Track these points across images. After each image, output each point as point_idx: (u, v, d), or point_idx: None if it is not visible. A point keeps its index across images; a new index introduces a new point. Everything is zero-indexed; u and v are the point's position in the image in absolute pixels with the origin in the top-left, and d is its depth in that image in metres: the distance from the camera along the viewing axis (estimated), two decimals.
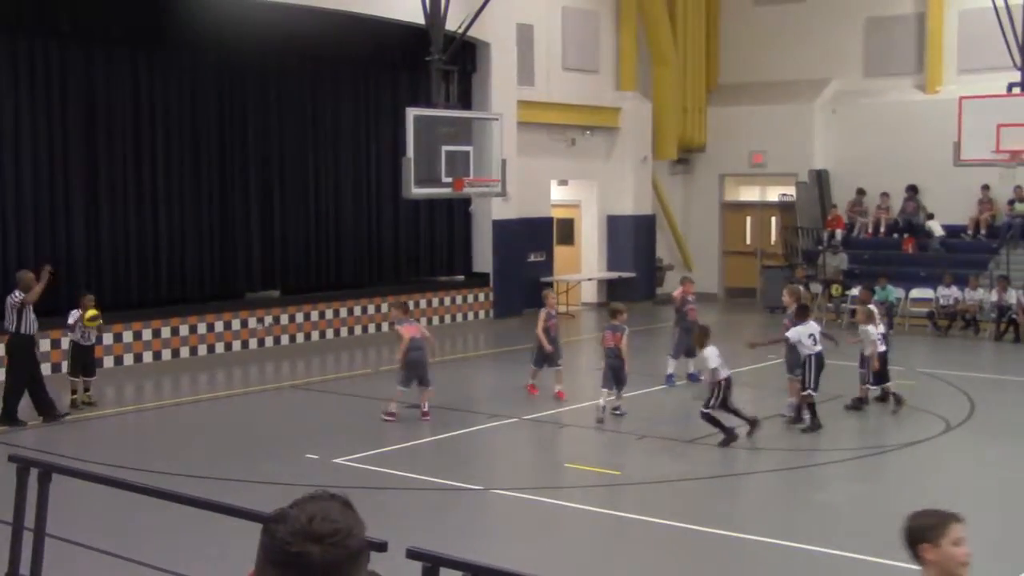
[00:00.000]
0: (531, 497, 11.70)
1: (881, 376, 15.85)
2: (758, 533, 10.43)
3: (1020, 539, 10.38)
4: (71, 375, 15.82)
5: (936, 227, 26.70)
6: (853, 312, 18.45)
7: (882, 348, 15.75)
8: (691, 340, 16.15)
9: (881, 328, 16.21)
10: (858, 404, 15.83)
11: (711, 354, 13.99)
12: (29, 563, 5.80)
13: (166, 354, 19.87)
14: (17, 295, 14.57)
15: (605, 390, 14.97)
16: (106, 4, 19.03)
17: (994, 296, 23.19)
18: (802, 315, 15.03)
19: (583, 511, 11.41)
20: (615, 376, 14.94)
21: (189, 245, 20.80)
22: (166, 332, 19.95)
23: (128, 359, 19.21)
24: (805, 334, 14.62)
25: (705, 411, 13.87)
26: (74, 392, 15.66)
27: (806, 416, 14.49)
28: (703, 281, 30.44)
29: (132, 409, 16.16)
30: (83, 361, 15.77)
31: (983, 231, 26.34)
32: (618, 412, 15.11)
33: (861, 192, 28.24)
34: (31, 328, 14.73)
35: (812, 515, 11.31)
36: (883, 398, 15.94)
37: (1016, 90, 22.06)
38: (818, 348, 14.61)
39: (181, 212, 20.64)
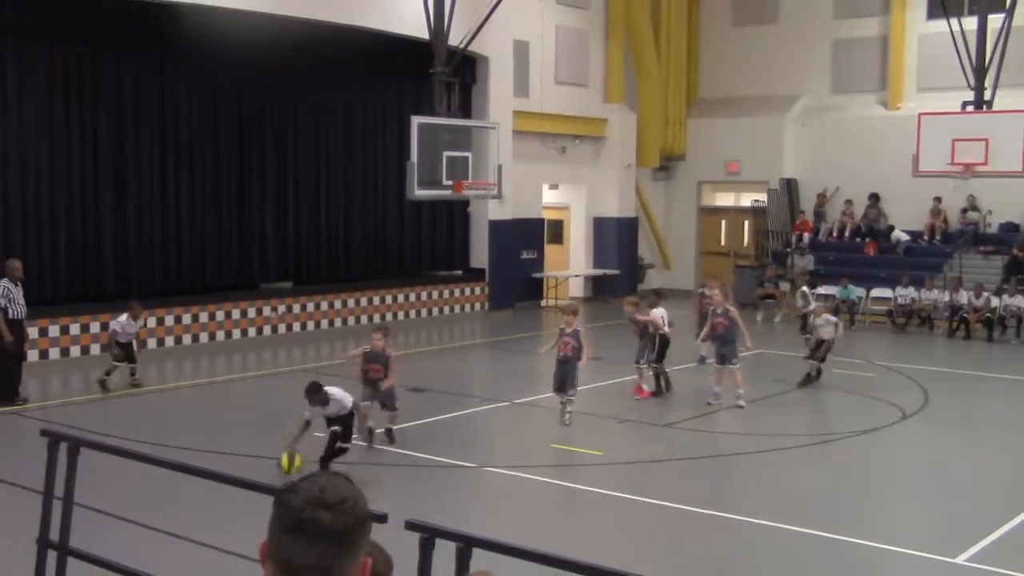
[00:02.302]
0: (520, 475, 11.70)
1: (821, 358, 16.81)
2: (727, 511, 10.46)
3: (968, 520, 10.41)
4: (116, 360, 15.54)
5: (901, 235, 26.75)
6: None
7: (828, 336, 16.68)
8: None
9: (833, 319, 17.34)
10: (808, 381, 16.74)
11: (659, 313, 15.51)
12: (58, 530, 5.79)
13: (187, 339, 19.85)
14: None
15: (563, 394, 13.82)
16: (135, 16, 18.96)
17: (947, 296, 23.24)
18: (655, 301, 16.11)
19: (567, 488, 11.43)
20: (564, 380, 13.77)
21: (209, 239, 20.79)
22: (187, 319, 19.93)
23: (152, 343, 19.18)
24: (660, 315, 15.61)
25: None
26: (108, 374, 15.38)
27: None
28: (681, 278, 30.55)
29: (155, 390, 16.13)
30: (128, 353, 15.61)
31: (937, 237, 26.40)
32: (569, 413, 13.80)
33: (822, 196, 28.40)
34: (19, 313, 14.42)
35: (777, 496, 11.32)
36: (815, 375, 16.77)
37: (969, 108, 22.10)
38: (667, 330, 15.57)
39: (202, 209, 20.62)
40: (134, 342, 15.85)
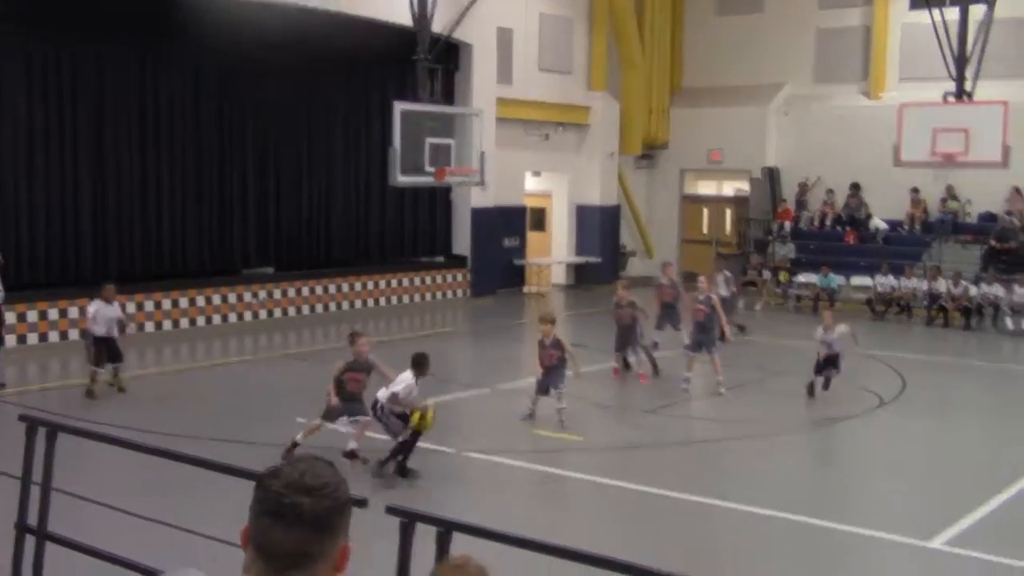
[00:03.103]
0: (501, 460, 11.72)
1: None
2: (706, 496, 10.51)
3: (943, 505, 10.49)
4: (95, 365, 13.99)
5: (880, 224, 26.87)
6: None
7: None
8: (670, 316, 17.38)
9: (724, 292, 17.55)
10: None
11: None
12: (37, 515, 5.78)
13: (167, 325, 19.77)
14: None
15: (540, 396, 13.38)
16: (114, 2, 18.81)
17: (926, 285, 23.37)
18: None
19: (548, 473, 11.46)
20: (548, 386, 13.28)
21: (190, 225, 20.68)
22: (167, 305, 19.84)
23: (131, 328, 19.07)
24: None
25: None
26: (93, 381, 14.00)
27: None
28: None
29: (136, 376, 16.07)
30: (111, 352, 14.12)
31: (917, 226, 26.54)
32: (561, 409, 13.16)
33: (804, 185, 28.50)
34: None
35: (755, 481, 11.38)
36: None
37: (951, 99, 22.17)
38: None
39: (183, 194, 20.52)
40: (116, 332, 14.13)
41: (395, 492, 9.87)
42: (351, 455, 11.02)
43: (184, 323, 20.03)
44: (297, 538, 2.13)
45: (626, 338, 15.98)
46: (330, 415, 11.29)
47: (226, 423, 12.78)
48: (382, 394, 10.85)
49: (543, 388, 13.28)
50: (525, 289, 27.23)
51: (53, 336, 18.09)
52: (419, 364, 10.92)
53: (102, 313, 14.01)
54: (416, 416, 10.64)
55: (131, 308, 19.02)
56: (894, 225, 26.87)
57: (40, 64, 18.25)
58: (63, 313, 18.17)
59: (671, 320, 17.46)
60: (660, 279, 18.19)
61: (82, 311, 17.20)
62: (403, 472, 10.66)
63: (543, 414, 13.62)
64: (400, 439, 10.80)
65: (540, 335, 13.45)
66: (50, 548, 5.79)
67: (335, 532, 2.18)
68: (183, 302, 20.06)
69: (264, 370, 16.89)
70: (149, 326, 19.41)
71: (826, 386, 15.14)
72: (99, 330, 13.93)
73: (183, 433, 11.80)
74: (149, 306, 19.50)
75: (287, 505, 2.13)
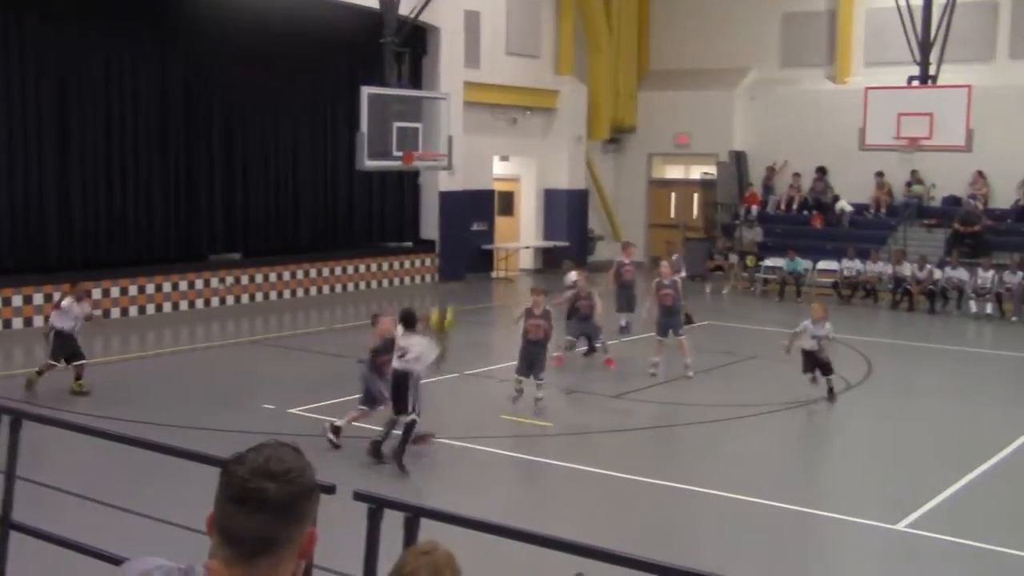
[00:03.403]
0: (470, 446, 11.73)
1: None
2: (676, 480, 10.56)
3: (908, 488, 10.61)
4: (53, 359, 13.23)
5: (846, 206, 27.06)
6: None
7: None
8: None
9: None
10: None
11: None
12: (0, 504, 5.71)
13: (133, 311, 19.60)
14: None
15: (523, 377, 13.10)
16: None
17: (891, 269, 23.55)
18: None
19: (517, 459, 11.48)
20: (532, 363, 13.01)
21: (156, 210, 20.49)
22: (133, 291, 19.67)
23: (97, 315, 18.89)
24: None
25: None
26: (40, 373, 13.18)
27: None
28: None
29: (101, 362, 15.91)
30: (70, 349, 13.31)
31: (883, 210, 26.74)
32: (540, 398, 13.02)
33: (771, 169, 28.62)
34: None
35: (724, 465, 11.46)
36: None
37: (915, 83, 22.35)
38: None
39: (148, 179, 20.31)
40: (78, 330, 13.39)
41: (363, 478, 9.85)
42: (336, 431, 11.11)
43: (151, 309, 19.87)
44: (262, 524, 2.12)
45: (584, 327, 15.93)
46: (372, 401, 11.27)
47: (193, 410, 12.69)
48: (405, 364, 10.62)
49: (525, 370, 12.96)
50: (493, 274, 27.23)
51: (17, 323, 17.89)
52: (410, 320, 10.88)
53: (72, 310, 13.40)
54: (436, 316, 10.53)
55: (96, 294, 18.83)
56: (860, 209, 27.07)
57: (2, 46, 17.97)
58: (27, 300, 17.96)
59: (628, 302, 17.54)
60: (621, 259, 18.10)
61: (48, 297, 17.04)
62: (402, 465, 10.44)
63: (511, 399, 13.62)
64: (404, 424, 10.65)
65: (530, 305, 13.17)
66: (14, 537, 5.73)
67: (301, 518, 2.17)
68: (149, 288, 19.89)
69: (231, 356, 16.79)
70: (115, 312, 19.22)
71: (831, 396, 13.97)
72: (66, 324, 13.26)
73: (149, 420, 11.71)
74: (115, 292, 19.32)
75: (252, 491, 2.11)
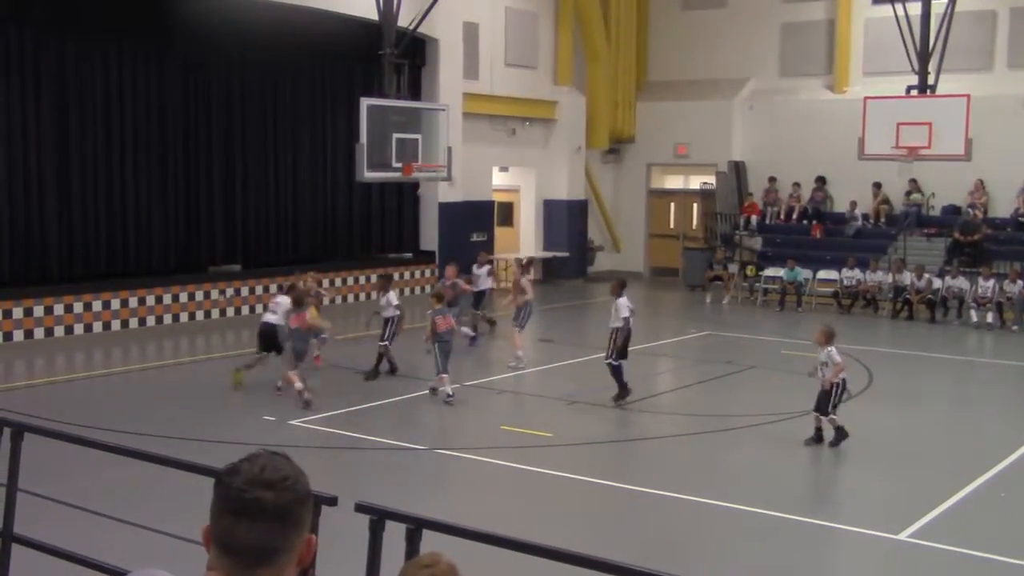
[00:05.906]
0: (471, 456, 11.72)
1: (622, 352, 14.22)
2: (675, 491, 10.55)
3: (910, 497, 10.59)
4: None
5: (859, 216, 26.82)
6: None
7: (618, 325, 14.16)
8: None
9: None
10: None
11: (623, 304, 13.81)
12: (1, 517, 5.71)
13: (133, 323, 19.59)
14: None
15: (445, 375, 13.98)
16: None
17: (891, 278, 23.55)
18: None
19: (518, 469, 11.46)
20: (447, 358, 13.97)
21: (155, 221, 20.50)
22: (133, 302, 19.66)
23: (97, 327, 18.91)
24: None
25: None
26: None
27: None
28: (630, 261, 30.71)
29: (101, 374, 15.92)
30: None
31: (882, 219, 26.74)
32: (451, 399, 13.90)
33: (772, 180, 28.57)
34: None
35: (723, 475, 11.44)
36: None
37: (914, 92, 22.38)
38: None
39: (148, 190, 20.33)
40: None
41: (365, 489, 9.84)
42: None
43: (151, 321, 19.85)
44: (262, 533, 2.13)
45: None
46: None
47: (191, 421, 12.68)
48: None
49: (446, 365, 13.98)
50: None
51: (18, 335, 17.88)
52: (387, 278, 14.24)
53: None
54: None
55: (96, 306, 18.86)
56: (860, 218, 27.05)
57: (2, 57, 18.01)
58: (28, 312, 17.94)
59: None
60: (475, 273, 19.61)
61: (48, 309, 17.03)
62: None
63: (511, 410, 13.64)
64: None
65: (440, 305, 14.26)
66: (16, 550, 5.72)
67: (299, 524, 2.19)
68: (150, 300, 19.88)
69: (231, 368, 16.75)
70: (115, 324, 19.22)
71: (836, 441, 12.39)
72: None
73: (149, 432, 11.70)
74: (115, 304, 19.31)
75: (249, 501, 2.13)
